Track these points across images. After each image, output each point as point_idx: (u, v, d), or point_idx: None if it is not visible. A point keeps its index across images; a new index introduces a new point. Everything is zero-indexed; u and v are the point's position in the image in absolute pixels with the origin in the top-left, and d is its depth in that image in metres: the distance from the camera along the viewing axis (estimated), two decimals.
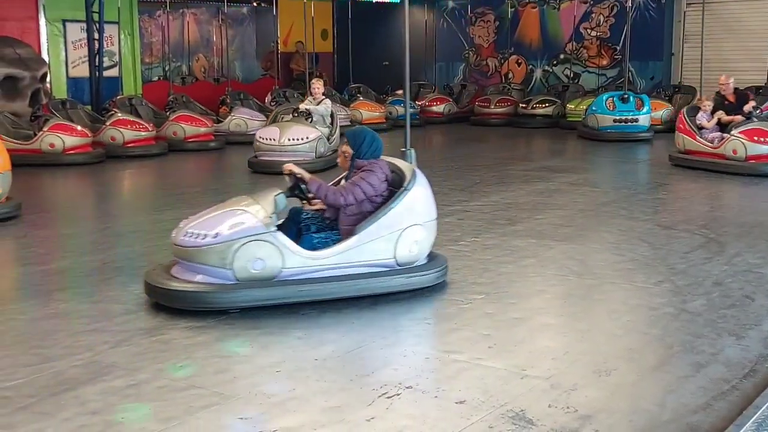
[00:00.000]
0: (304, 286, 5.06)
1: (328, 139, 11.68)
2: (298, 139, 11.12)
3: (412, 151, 6.14)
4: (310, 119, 11.59)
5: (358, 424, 3.50)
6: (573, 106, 16.80)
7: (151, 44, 19.10)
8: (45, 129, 12.15)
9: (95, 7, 14.69)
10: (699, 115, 11.29)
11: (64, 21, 15.88)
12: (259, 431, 3.45)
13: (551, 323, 4.92)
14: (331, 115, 12.02)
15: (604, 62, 19.03)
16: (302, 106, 11.78)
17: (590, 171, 11.73)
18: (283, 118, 12.06)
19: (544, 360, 4.22)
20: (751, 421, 3.32)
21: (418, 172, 5.53)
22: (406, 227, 5.31)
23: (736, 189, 9.47)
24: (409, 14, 20.81)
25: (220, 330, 4.74)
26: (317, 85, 11.79)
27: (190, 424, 3.52)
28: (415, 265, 5.42)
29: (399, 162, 5.70)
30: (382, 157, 5.56)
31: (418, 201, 5.43)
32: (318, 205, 5.57)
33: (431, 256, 5.63)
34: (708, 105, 11.29)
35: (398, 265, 5.33)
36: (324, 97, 12.00)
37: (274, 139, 11.17)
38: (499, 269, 6.03)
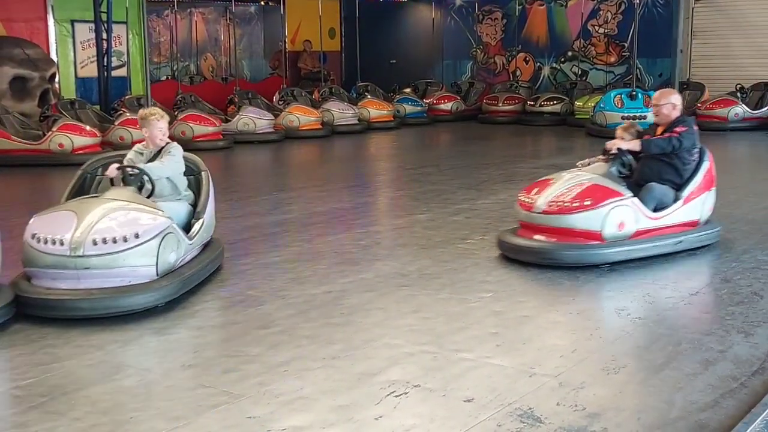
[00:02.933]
0: None
1: (187, 229, 5.71)
2: (116, 240, 4.99)
3: None
4: (147, 184, 5.85)
5: (366, 423, 3.50)
6: (581, 104, 16.75)
7: (159, 44, 19.15)
8: (54, 129, 12.19)
9: (103, 7, 14.73)
10: None
11: (72, 21, 15.94)
12: (267, 431, 3.47)
13: (559, 321, 4.92)
14: (195, 179, 6.29)
15: (612, 59, 18.98)
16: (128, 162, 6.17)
17: None
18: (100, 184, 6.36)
19: (552, 358, 4.22)
20: (760, 418, 3.32)
21: None
22: None
23: (747, 186, 9.38)
24: (417, 12, 20.61)
25: (228, 330, 4.76)
26: (156, 123, 6.35)
27: (199, 423, 3.53)
28: None
29: None
30: None
31: None
32: None
33: None
34: None
35: None
36: (169, 142, 6.42)
37: (61, 242, 4.98)
38: (506, 267, 6.03)
